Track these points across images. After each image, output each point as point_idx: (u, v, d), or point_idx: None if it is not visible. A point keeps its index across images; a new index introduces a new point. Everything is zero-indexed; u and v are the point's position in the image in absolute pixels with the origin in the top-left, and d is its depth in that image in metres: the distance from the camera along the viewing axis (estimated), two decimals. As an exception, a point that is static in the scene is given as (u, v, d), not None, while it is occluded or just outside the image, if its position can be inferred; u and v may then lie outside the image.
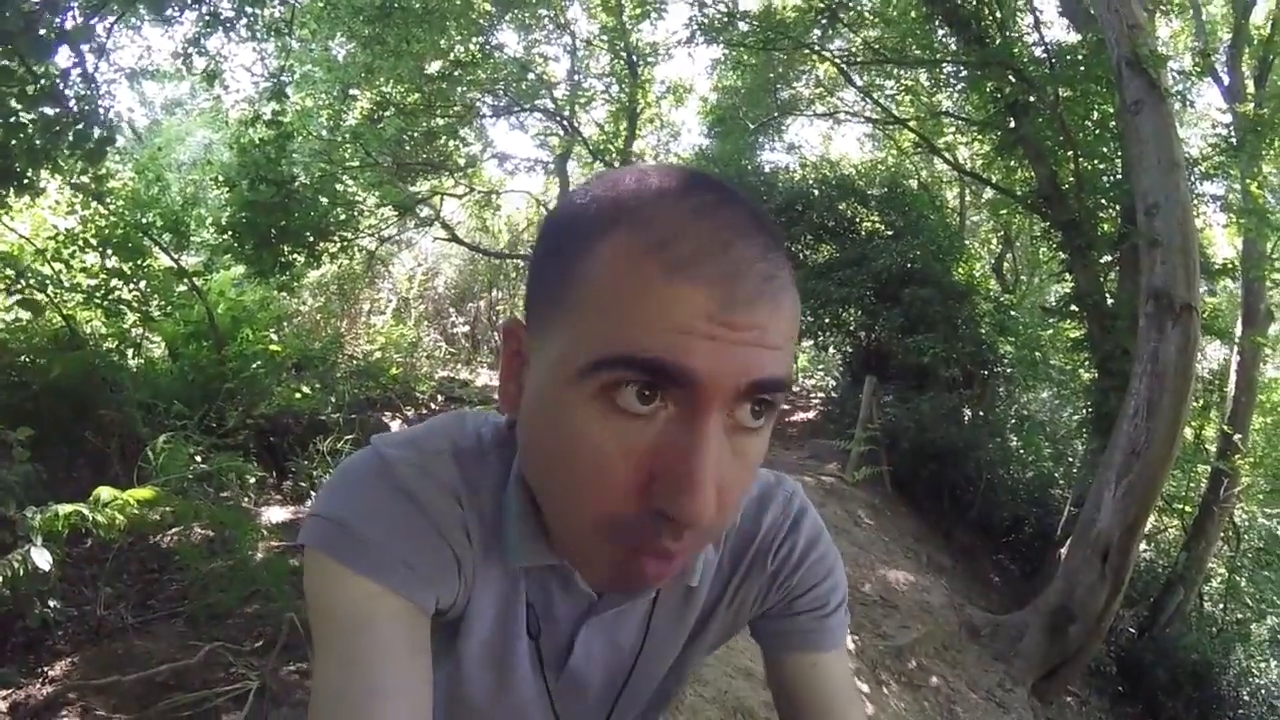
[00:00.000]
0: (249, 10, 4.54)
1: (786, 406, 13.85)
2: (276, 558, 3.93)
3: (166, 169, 6.40)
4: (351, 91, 8.68)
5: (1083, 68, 7.51)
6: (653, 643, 0.79)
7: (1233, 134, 7.68)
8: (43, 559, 2.76)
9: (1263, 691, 7.04)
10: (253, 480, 4.83)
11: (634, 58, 12.94)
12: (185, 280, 5.01)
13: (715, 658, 3.37)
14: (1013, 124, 8.26)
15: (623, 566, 0.58)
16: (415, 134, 10.02)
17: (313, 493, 5.16)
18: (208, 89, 6.36)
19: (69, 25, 2.86)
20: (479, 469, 0.70)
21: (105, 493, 3.24)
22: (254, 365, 5.55)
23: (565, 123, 13.20)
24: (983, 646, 5.72)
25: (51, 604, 2.93)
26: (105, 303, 4.29)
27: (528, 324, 0.61)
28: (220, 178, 6.15)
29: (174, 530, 3.92)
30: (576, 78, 13.50)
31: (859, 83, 11.59)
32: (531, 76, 12.40)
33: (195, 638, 3.25)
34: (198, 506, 3.83)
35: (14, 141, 2.80)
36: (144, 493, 3.44)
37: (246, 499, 4.78)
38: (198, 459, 4.35)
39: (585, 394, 0.53)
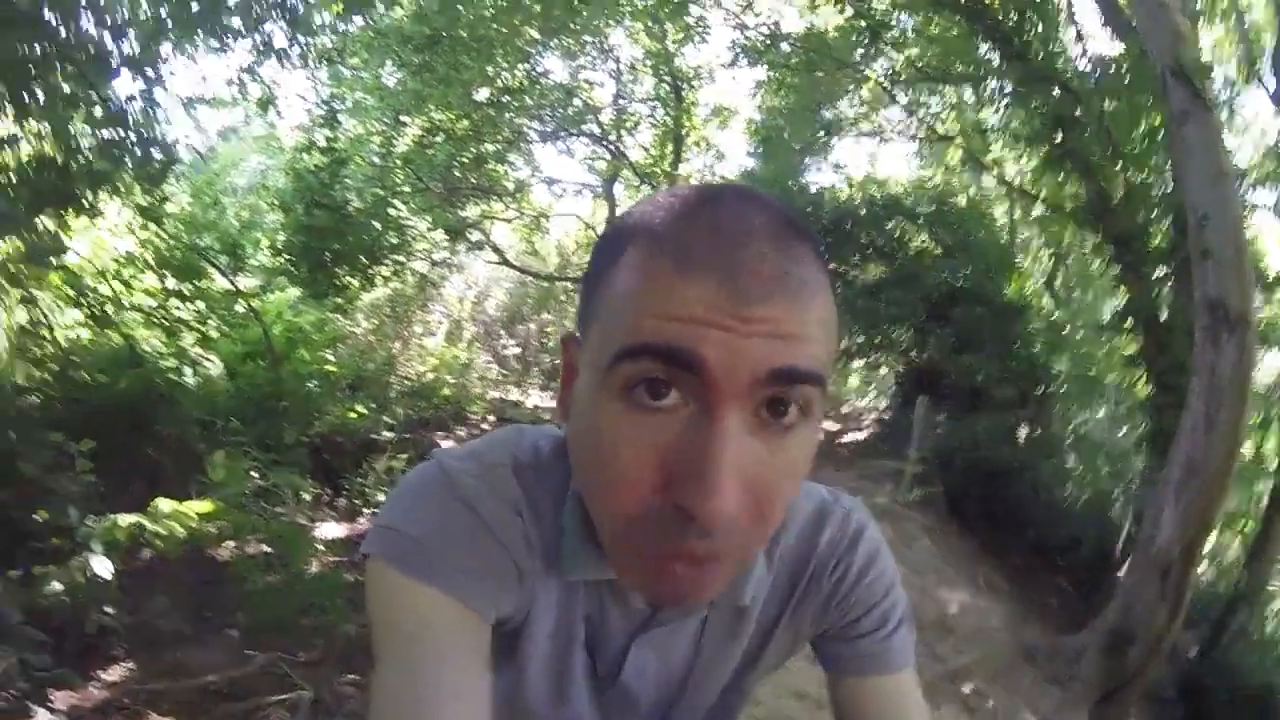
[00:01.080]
0: (301, 39, 4.73)
1: (837, 427, 13.71)
2: (331, 572, 4.01)
3: (222, 193, 6.63)
4: (402, 118, 8.91)
5: (1127, 79, 7.36)
6: (702, 661, 0.80)
7: None
8: (103, 567, 2.88)
9: None
10: (308, 497, 4.94)
11: (678, 81, 13.02)
12: (242, 301, 5.18)
13: (769, 679, 3.35)
14: (1059, 138, 8.10)
15: (655, 572, 0.58)
16: (465, 159, 10.18)
17: (365, 510, 5.26)
18: (262, 115, 6.62)
19: (127, 50, 3.01)
20: (539, 482, 0.72)
21: (164, 504, 3.37)
22: (309, 384, 5.69)
23: (611, 147, 13.31)
24: (1039, 669, 5.61)
25: (109, 611, 3.02)
26: (165, 322, 4.47)
27: (580, 338, 0.64)
28: (276, 202, 6.37)
29: (230, 543, 4.04)
30: (621, 102, 13.60)
31: (903, 100, 11.52)
32: (577, 102, 12.53)
33: (249, 649, 3.33)
34: (254, 521, 3.94)
35: (74, 165, 2.94)
36: (203, 505, 3.57)
37: (302, 515, 4.88)
38: (254, 475, 4.47)
39: (611, 392, 0.55)
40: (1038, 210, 11.30)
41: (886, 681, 0.81)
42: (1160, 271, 7.64)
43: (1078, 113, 7.81)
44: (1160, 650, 5.44)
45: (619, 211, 12.77)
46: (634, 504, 0.56)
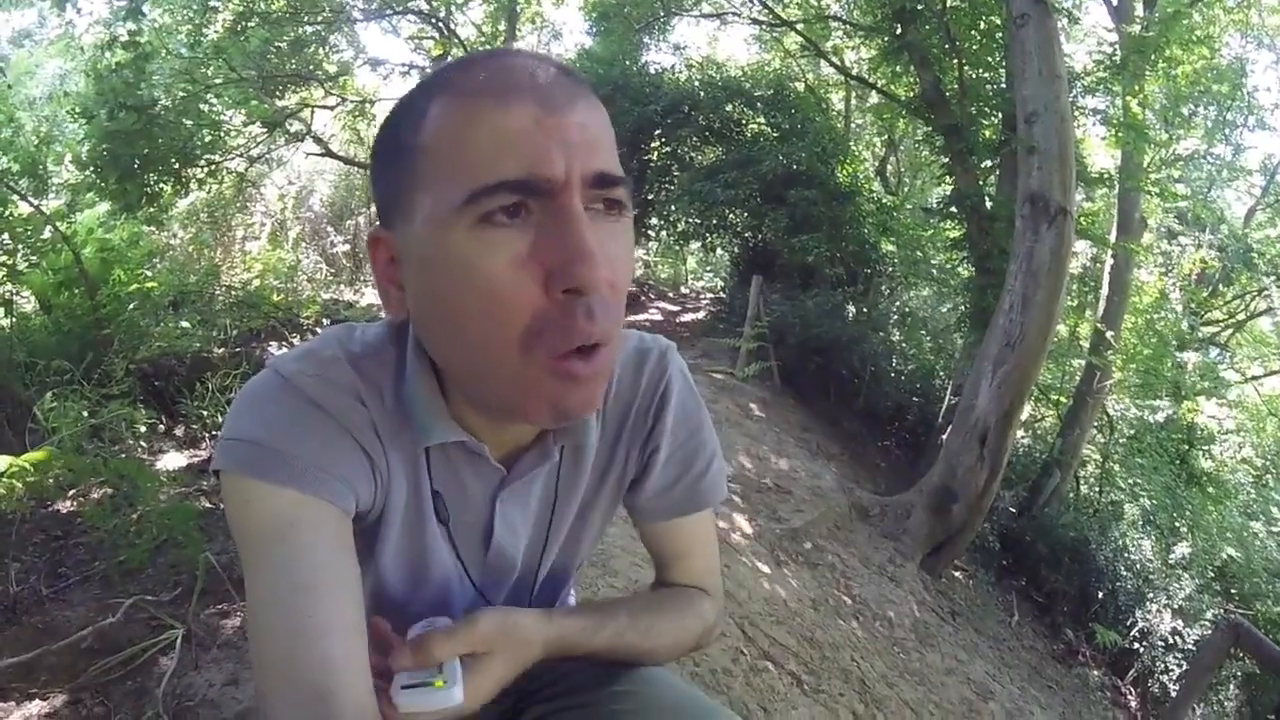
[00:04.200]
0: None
1: (676, 308, 14.06)
2: (180, 504, 3.81)
3: (18, 108, 5.74)
4: (213, 3, 7.92)
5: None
6: (559, 506, 0.86)
7: (1117, 53, 7.95)
8: (-57, 542, 2.61)
9: (1138, 566, 7.56)
10: (144, 429, 4.62)
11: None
12: (49, 225, 4.61)
13: (622, 548, 3.51)
14: (900, 30, 8.28)
15: (559, 378, 0.62)
16: (282, 43, 9.22)
17: (206, 435, 4.99)
18: (59, 13, 5.72)
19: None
20: (375, 367, 0.74)
21: (1, 461, 3.07)
22: (130, 307, 5.22)
23: (440, 24, 12.43)
24: (872, 526, 6.03)
25: (-44, 587, 2.77)
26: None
27: (391, 226, 0.67)
28: (77, 109, 5.59)
29: (72, 492, 3.75)
30: (452, -25, 12.63)
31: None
32: (404, -25, 11.53)
33: (112, 597, 3.16)
34: (94, 463, 3.66)
35: None
36: (37, 455, 3.28)
37: (140, 449, 4.58)
38: (85, 414, 4.12)
39: (462, 230, 0.59)
40: (873, 99, 11.61)
41: (685, 520, 0.92)
42: (988, 163, 8.08)
43: (920, 6, 7.96)
44: (981, 508, 6.04)
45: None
46: (524, 315, 0.60)
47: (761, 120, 11.14)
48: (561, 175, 0.59)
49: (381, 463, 0.73)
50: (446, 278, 0.61)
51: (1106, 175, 8.47)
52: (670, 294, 16.24)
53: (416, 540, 0.80)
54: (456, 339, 0.64)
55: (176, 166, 6.49)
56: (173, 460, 4.65)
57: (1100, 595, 7.10)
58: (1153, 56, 7.88)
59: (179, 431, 5.10)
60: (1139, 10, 9.00)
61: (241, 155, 9.28)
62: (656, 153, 11.75)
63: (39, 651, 2.77)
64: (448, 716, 0.71)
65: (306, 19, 9.61)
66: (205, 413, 4.99)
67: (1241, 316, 12.51)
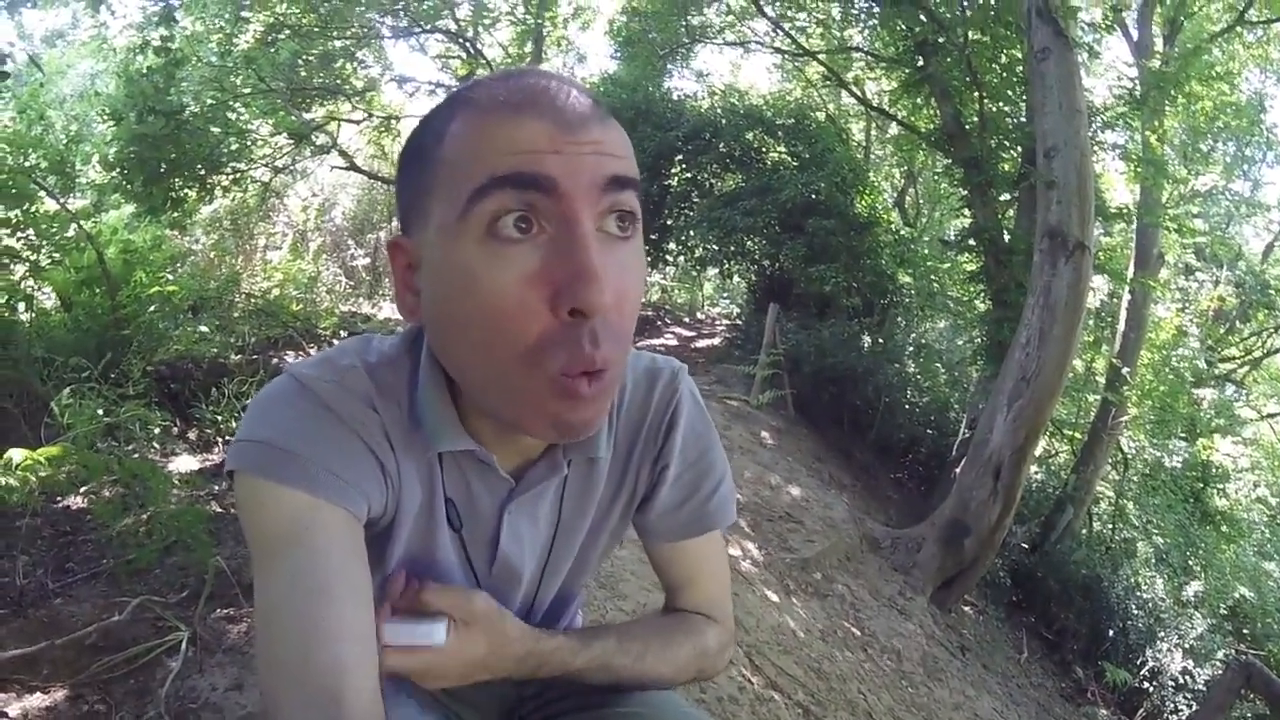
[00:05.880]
0: (133, -73, 4.15)
1: (691, 333, 14.06)
2: (191, 507, 3.81)
3: (49, 105, 5.86)
4: (244, 14, 8.08)
5: (993, 12, 7.59)
6: (565, 521, 0.86)
7: (1137, 88, 7.96)
8: (-45, 532, 2.61)
9: (1150, 604, 7.45)
10: (157, 430, 4.64)
11: (539, -24, 12.41)
12: (73, 224, 4.66)
13: (632, 572, 3.48)
14: (921, 63, 8.33)
15: (562, 396, 0.62)
16: (310, 57, 9.36)
17: (219, 440, 5.00)
18: (93, 14, 5.84)
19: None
20: (391, 375, 0.75)
21: (16, 454, 3.09)
22: (150, 309, 5.27)
23: (468, 44, 12.60)
24: (883, 558, 5.96)
25: (-39, 578, 2.77)
26: (-8, 255, 3.97)
27: (410, 233, 0.68)
28: (106, 110, 5.69)
29: (84, 489, 3.77)
30: (480, -3, 12.83)
31: (770, 13, 11.41)
32: (433, -5, 11.71)
33: (119, 596, 3.15)
34: (107, 461, 3.67)
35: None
36: (52, 450, 3.29)
37: (153, 450, 4.59)
38: (100, 412, 4.15)
39: (476, 236, 0.60)
40: (894, 130, 11.64)
41: (693, 542, 0.92)
42: (1006, 196, 8.05)
43: (941, 39, 8.00)
44: (994, 542, 5.96)
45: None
46: (527, 333, 0.61)
47: (782, 149, 11.16)
48: (565, 184, 0.60)
49: (394, 470, 0.73)
50: (455, 285, 0.62)
51: (1125, 210, 8.45)
52: (686, 319, 16.24)
53: (425, 547, 0.80)
54: (462, 346, 0.65)
55: (202, 173, 6.59)
56: (185, 463, 4.66)
57: (1111, 633, 6.99)
58: (1172, 92, 7.89)
59: (192, 435, 5.11)
60: (1159, 45, 9.02)
61: (267, 165, 9.40)
62: (677, 178, 11.79)
63: (43, 645, 2.76)
64: (428, 660, 0.74)
65: (336, 34, 9.77)
66: (219, 418, 5.01)
67: (1258, 354, 12.44)
